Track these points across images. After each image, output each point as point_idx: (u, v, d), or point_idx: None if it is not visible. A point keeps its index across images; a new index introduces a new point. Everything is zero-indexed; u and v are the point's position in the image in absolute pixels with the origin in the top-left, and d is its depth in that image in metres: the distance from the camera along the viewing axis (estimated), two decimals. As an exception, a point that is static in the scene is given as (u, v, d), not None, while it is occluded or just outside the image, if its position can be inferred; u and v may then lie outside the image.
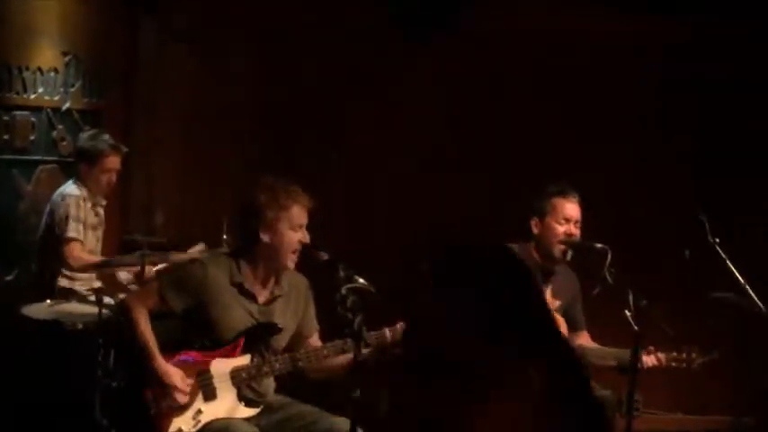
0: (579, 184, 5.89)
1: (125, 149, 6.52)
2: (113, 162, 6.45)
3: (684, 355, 5.70)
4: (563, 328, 5.65)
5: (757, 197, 7.27)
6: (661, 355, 5.69)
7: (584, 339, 5.92)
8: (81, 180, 6.43)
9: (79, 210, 6.32)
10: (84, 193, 6.40)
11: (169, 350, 4.92)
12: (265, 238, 4.94)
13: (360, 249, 5.56)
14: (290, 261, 5.00)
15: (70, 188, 6.40)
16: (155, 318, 4.96)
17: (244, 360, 4.97)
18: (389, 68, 7.64)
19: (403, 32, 7.53)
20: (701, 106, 7.50)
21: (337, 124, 7.66)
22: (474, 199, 7.47)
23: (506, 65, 7.61)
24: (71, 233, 6.28)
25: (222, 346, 4.95)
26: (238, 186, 6.90)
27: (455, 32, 7.49)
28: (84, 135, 6.63)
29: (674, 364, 5.72)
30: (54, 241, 6.32)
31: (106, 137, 6.52)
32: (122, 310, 5.05)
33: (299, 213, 4.95)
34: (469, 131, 7.67)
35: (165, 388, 4.84)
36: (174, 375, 4.85)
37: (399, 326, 4.89)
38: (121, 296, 5.86)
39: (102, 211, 6.52)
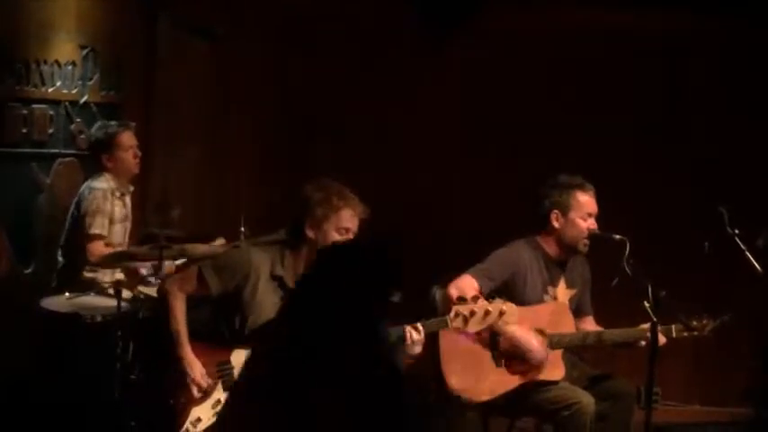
0: (598, 177, 5.88)
1: (133, 124, 6.61)
2: (129, 137, 6.51)
3: (695, 323, 5.67)
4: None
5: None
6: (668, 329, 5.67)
7: (589, 324, 5.91)
8: (107, 171, 6.45)
9: (105, 203, 6.34)
10: (113, 184, 6.42)
11: (197, 339, 4.96)
12: (310, 233, 5.00)
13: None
14: None
15: (97, 181, 6.42)
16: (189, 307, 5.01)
17: None
18: (407, 64, 7.64)
19: (421, 28, 7.54)
20: (717, 99, 7.49)
21: (355, 118, 7.65)
22: (491, 191, 7.47)
23: (523, 61, 7.62)
24: (95, 229, 6.31)
25: (246, 334, 4.97)
26: (256, 179, 6.94)
27: (473, 29, 7.50)
28: (94, 129, 6.73)
29: (685, 333, 5.68)
30: (79, 234, 6.35)
31: (112, 123, 6.66)
32: (161, 295, 5.11)
33: (347, 217, 5.01)
34: (486, 126, 7.66)
35: (185, 378, 4.88)
36: (196, 369, 4.90)
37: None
38: (142, 287, 5.91)
39: (128, 201, 6.54)
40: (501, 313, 5.06)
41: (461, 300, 5.11)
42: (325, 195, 5.00)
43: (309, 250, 5.02)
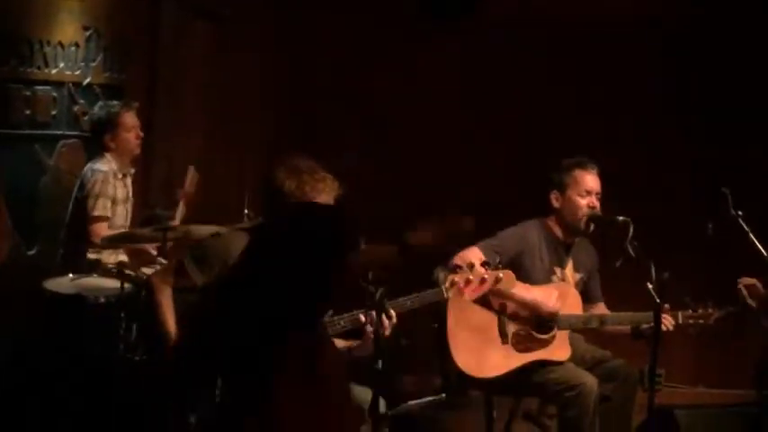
0: (600, 159, 5.87)
1: (136, 104, 6.57)
2: (131, 117, 6.48)
3: (701, 311, 5.67)
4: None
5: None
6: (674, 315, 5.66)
7: (601, 310, 5.91)
8: (109, 152, 6.44)
9: (107, 185, 6.34)
10: (114, 166, 6.42)
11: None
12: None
13: (378, 222, 5.55)
14: None
15: (99, 163, 6.42)
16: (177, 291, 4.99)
17: None
18: (409, 45, 7.64)
19: (422, 15, 7.54)
20: (717, 81, 7.47)
21: (357, 99, 7.65)
22: (492, 174, 7.47)
23: (524, 49, 7.61)
24: (98, 211, 6.31)
25: None
26: (259, 161, 6.94)
27: (474, 17, 7.50)
28: (95, 109, 6.70)
29: (691, 321, 5.68)
30: (83, 217, 6.35)
31: (115, 102, 6.61)
32: (147, 290, 5.09)
33: None
34: (488, 110, 7.66)
35: None
36: None
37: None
38: (145, 269, 5.90)
39: (130, 183, 6.53)
40: (497, 279, 5.02)
41: (458, 268, 5.05)
42: (298, 184, 4.80)
43: None
